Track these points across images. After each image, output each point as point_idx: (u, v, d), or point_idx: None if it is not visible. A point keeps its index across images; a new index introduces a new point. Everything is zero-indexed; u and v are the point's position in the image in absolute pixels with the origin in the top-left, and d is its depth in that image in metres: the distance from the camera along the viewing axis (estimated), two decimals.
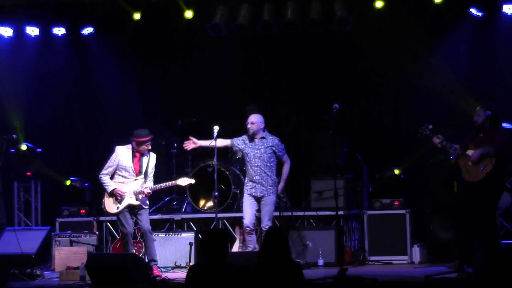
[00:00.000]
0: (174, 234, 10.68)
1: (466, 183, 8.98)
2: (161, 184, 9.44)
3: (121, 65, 12.65)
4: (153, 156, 9.51)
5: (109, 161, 9.43)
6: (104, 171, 9.41)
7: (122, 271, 8.57)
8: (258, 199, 9.41)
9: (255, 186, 9.41)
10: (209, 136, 9.60)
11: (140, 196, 9.32)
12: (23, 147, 11.66)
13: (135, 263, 8.83)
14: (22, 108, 11.97)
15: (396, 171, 11.12)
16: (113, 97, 12.64)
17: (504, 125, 9.38)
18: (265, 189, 9.38)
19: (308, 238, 10.32)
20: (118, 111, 12.50)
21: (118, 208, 9.34)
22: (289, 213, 10.60)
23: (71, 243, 10.62)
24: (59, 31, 12.04)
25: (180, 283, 8.75)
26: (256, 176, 9.40)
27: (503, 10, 11.06)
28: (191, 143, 9.60)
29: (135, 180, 9.37)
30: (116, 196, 9.31)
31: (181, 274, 9.52)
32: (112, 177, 9.43)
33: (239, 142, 9.59)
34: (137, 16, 11.67)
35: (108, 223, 11.10)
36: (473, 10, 11.19)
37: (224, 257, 6.18)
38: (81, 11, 11.79)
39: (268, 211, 9.38)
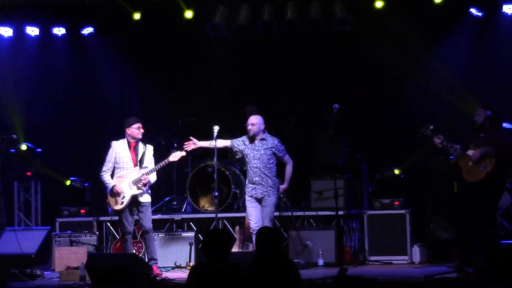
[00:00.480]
0: (174, 234, 10.68)
1: (467, 183, 8.98)
2: (155, 166, 9.42)
3: (121, 65, 12.67)
4: (149, 147, 9.55)
5: (107, 157, 9.49)
6: (104, 168, 9.46)
7: (122, 271, 8.58)
8: (259, 200, 9.37)
9: (255, 188, 9.37)
10: (209, 136, 9.59)
11: (140, 184, 9.31)
12: (23, 147, 11.66)
13: (135, 263, 8.84)
14: (22, 108, 11.98)
15: (396, 171, 11.12)
16: (113, 97, 12.65)
17: (505, 125, 9.38)
18: (265, 190, 9.34)
19: (308, 238, 10.31)
20: (118, 111, 12.49)
21: (122, 203, 9.34)
22: (289, 213, 10.60)
23: (71, 243, 10.62)
24: (59, 31, 12.05)
25: (180, 283, 8.76)
26: (256, 178, 9.37)
27: (503, 10, 11.08)
28: (191, 144, 9.59)
29: (133, 170, 9.37)
30: (116, 194, 9.32)
31: (181, 274, 9.52)
32: (113, 173, 9.45)
33: (239, 143, 9.57)
34: (137, 16, 11.68)
35: (108, 223, 11.10)
36: (473, 10, 11.20)
37: (225, 257, 6.17)
38: (81, 11, 11.80)
39: (268, 213, 9.33)
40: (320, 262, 10.12)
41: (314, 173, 11.15)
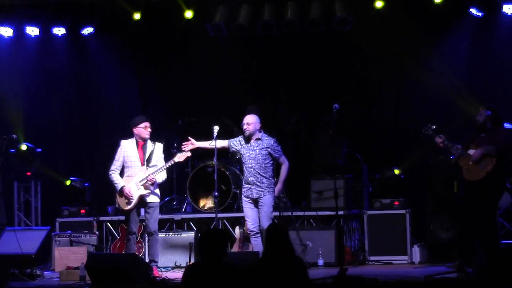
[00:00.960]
0: (174, 234, 10.68)
1: (467, 183, 8.98)
2: (162, 167, 9.37)
3: (121, 65, 12.66)
4: (158, 145, 9.50)
5: (115, 156, 9.46)
6: (112, 167, 9.43)
7: (122, 271, 8.57)
8: (255, 201, 9.30)
9: (250, 188, 9.30)
10: (209, 136, 9.58)
11: (147, 184, 9.28)
12: (23, 147, 11.66)
13: (135, 263, 8.83)
14: (22, 108, 11.98)
15: (396, 171, 11.13)
16: (113, 97, 12.65)
17: (506, 125, 9.38)
18: (260, 189, 9.24)
19: (308, 238, 10.31)
20: (118, 111, 12.49)
21: (131, 203, 9.31)
22: (289, 213, 10.60)
23: (71, 243, 10.62)
24: (59, 31, 12.05)
25: (180, 283, 8.74)
26: (251, 178, 9.31)
27: (503, 10, 11.08)
28: (189, 144, 9.57)
29: (141, 170, 9.34)
30: (124, 195, 9.32)
31: (181, 274, 9.46)
32: (122, 173, 9.44)
33: (236, 143, 9.53)
34: (137, 16, 11.68)
35: (108, 223, 11.10)
36: (473, 10, 11.20)
37: (221, 257, 6.16)
38: (81, 11, 11.81)
39: (265, 212, 9.24)
40: (320, 262, 10.12)
41: (314, 173, 11.14)
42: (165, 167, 9.37)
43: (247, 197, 9.33)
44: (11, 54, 12.08)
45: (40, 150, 11.80)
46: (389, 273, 9.11)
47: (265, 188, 9.26)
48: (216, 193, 9.64)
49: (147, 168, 9.32)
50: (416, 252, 10.27)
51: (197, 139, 9.58)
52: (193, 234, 10.55)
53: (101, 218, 11.13)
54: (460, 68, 11.47)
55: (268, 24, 11.46)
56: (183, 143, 9.62)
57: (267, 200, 9.26)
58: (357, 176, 11.06)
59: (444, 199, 10.52)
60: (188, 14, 11.64)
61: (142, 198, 9.31)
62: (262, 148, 9.32)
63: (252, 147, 9.35)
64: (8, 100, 11.86)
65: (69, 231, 10.88)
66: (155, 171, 9.29)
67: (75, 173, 11.98)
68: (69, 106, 12.56)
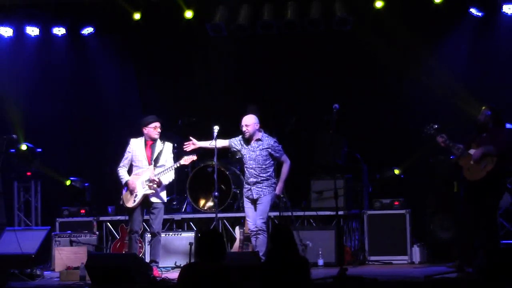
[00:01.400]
0: (174, 234, 10.68)
1: (468, 182, 8.98)
2: (170, 167, 9.37)
3: (121, 65, 12.66)
4: (168, 145, 9.50)
5: (124, 153, 9.48)
6: (120, 164, 9.47)
7: (122, 271, 8.57)
8: (254, 201, 9.30)
9: (250, 189, 9.30)
10: (209, 136, 9.58)
11: (152, 185, 9.28)
12: (23, 147, 11.66)
13: (135, 263, 8.83)
14: (22, 108, 11.98)
15: (396, 171, 11.13)
16: (113, 97, 12.65)
17: (508, 125, 9.37)
18: (260, 190, 9.25)
19: (308, 238, 10.31)
20: (118, 111, 12.49)
21: (134, 201, 9.32)
22: (289, 213, 10.59)
23: (71, 243, 10.62)
24: (59, 31, 12.06)
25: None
26: (251, 178, 9.31)
27: (503, 10, 11.08)
28: (191, 144, 9.58)
29: (148, 169, 9.34)
30: (130, 190, 9.29)
31: None
32: (130, 171, 9.43)
33: (236, 143, 9.53)
34: (137, 16, 11.68)
35: (108, 223, 11.10)
36: (473, 10, 11.20)
37: (219, 258, 6.16)
38: (81, 11, 11.80)
39: (260, 210, 9.21)
40: (320, 262, 10.12)
41: (314, 173, 11.14)
42: (173, 168, 9.36)
43: (247, 197, 9.36)
44: (11, 54, 12.08)
45: (40, 150, 11.80)
46: (389, 273, 9.11)
47: (265, 188, 9.28)
48: (216, 193, 9.64)
49: (154, 168, 9.32)
50: (416, 252, 10.27)
51: (197, 139, 9.58)
52: (193, 234, 10.56)
53: (101, 218, 11.13)
54: (460, 68, 11.47)
55: (268, 24, 11.46)
56: (185, 143, 9.62)
57: (265, 199, 9.27)
58: (357, 176, 11.06)
59: (444, 199, 10.52)
60: (188, 14, 11.64)
61: (146, 198, 9.30)
62: (263, 149, 9.32)
63: (253, 148, 9.35)
64: (8, 100, 11.86)
65: (69, 231, 10.88)
66: (162, 171, 9.28)
67: (75, 173, 11.97)
68: (69, 106, 12.55)
